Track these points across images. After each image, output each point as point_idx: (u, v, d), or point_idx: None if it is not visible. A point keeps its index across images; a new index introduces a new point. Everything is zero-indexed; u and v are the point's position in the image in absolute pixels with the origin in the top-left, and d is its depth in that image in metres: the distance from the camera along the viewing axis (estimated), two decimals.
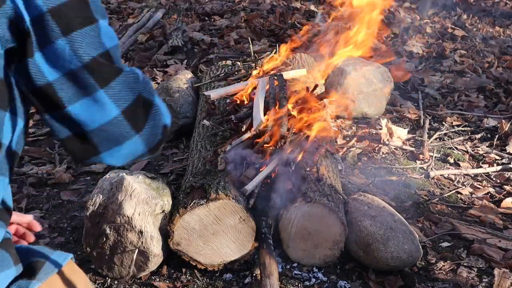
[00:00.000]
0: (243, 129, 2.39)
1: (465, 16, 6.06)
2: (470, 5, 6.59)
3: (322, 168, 2.21)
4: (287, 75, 2.88)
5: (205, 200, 1.93)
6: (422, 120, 3.53)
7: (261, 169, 2.15)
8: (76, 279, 1.05)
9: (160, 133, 0.97)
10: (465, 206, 2.62)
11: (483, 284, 2.04)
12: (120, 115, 0.88)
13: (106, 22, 0.87)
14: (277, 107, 2.42)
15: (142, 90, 0.92)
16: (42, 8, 0.78)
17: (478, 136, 3.39)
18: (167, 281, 2.02)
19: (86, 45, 0.82)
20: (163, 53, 4.58)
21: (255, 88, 2.72)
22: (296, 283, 2.01)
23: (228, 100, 2.78)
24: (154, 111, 0.95)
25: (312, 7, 5.83)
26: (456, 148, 3.23)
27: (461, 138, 3.38)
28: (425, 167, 2.96)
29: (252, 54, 3.56)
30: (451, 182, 2.85)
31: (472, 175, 2.93)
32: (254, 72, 3.00)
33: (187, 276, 2.04)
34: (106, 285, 2.01)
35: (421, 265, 2.13)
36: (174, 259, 2.07)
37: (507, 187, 2.80)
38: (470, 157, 3.16)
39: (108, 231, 1.93)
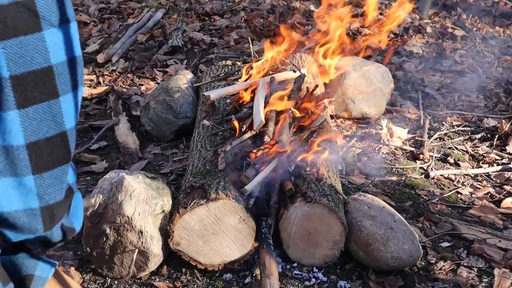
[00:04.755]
0: (243, 129, 2.39)
1: (465, 16, 6.06)
2: (470, 5, 6.59)
3: (322, 168, 2.21)
4: (285, 75, 2.88)
5: (205, 200, 1.93)
6: (422, 120, 3.53)
7: (261, 169, 2.15)
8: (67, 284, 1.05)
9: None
10: (465, 206, 2.62)
11: (483, 284, 2.04)
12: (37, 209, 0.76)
13: (70, 96, 0.76)
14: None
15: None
16: (3, 73, 0.69)
17: (478, 136, 3.38)
18: (167, 281, 2.02)
19: (39, 122, 0.72)
20: (163, 53, 4.58)
21: (255, 88, 2.72)
22: (296, 283, 2.01)
23: (228, 100, 2.78)
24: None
25: (312, 7, 5.83)
26: (456, 148, 3.22)
27: (461, 138, 3.37)
28: (425, 167, 2.96)
29: (252, 54, 3.56)
30: (451, 182, 2.85)
31: (472, 175, 2.93)
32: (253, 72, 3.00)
33: (187, 276, 2.04)
34: (106, 285, 2.01)
35: (421, 265, 2.13)
36: (174, 259, 2.07)
37: (507, 187, 2.80)
38: (470, 157, 3.15)
39: (108, 231, 1.93)
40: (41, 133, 0.73)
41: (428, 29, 5.43)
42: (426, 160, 3.03)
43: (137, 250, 1.94)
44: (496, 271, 2.09)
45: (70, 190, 0.84)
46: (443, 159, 3.11)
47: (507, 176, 2.92)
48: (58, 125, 0.75)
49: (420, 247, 2.07)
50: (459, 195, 2.72)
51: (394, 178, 2.82)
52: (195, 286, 2.00)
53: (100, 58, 4.39)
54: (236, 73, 3.16)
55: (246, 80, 2.87)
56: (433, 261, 2.16)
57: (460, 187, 2.79)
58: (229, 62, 3.45)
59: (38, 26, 0.70)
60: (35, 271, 0.99)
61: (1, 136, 0.71)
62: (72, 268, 2.05)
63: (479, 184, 2.84)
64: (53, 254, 2.16)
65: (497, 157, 3.14)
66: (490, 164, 3.06)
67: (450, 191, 2.74)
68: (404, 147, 3.16)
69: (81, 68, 0.78)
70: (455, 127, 3.52)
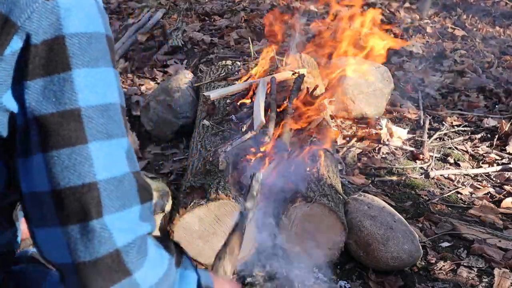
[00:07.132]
0: (243, 129, 2.39)
1: (465, 16, 6.06)
2: (470, 5, 6.59)
3: (322, 168, 2.21)
4: (285, 75, 2.88)
5: (205, 200, 1.93)
6: (422, 120, 3.53)
7: (261, 170, 2.15)
8: None
9: None
10: (465, 206, 2.62)
11: (483, 284, 2.04)
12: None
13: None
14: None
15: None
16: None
17: (478, 136, 3.38)
18: None
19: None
20: (163, 53, 4.58)
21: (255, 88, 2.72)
22: (296, 283, 2.01)
23: (228, 100, 2.78)
24: None
25: (312, 7, 5.83)
26: (456, 148, 3.22)
27: (461, 138, 3.37)
28: (425, 167, 2.96)
29: (252, 54, 3.56)
30: (451, 182, 2.85)
31: (472, 175, 2.93)
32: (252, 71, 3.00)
33: None
34: None
35: (421, 265, 2.13)
36: None
37: (507, 187, 2.80)
38: (470, 157, 3.15)
39: None
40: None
41: (428, 29, 5.43)
42: (426, 160, 3.03)
43: None
44: (496, 271, 2.09)
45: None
46: (443, 159, 3.11)
47: (507, 176, 2.92)
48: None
49: (420, 247, 2.07)
50: (459, 195, 2.72)
51: (394, 178, 2.82)
52: None
53: None
54: (236, 73, 3.16)
55: (246, 80, 2.87)
56: (433, 261, 2.16)
57: (460, 187, 2.79)
58: (229, 62, 3.45)
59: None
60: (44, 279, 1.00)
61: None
62: None
63: (479, 184, 2.84)
64: None
65: (497, 157, 3.14)
66: (490, 164, 3.06)
67: (450, 191, 2.74)
68: (404, 147, 3.16)
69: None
70: (455, 127, 3.52)
